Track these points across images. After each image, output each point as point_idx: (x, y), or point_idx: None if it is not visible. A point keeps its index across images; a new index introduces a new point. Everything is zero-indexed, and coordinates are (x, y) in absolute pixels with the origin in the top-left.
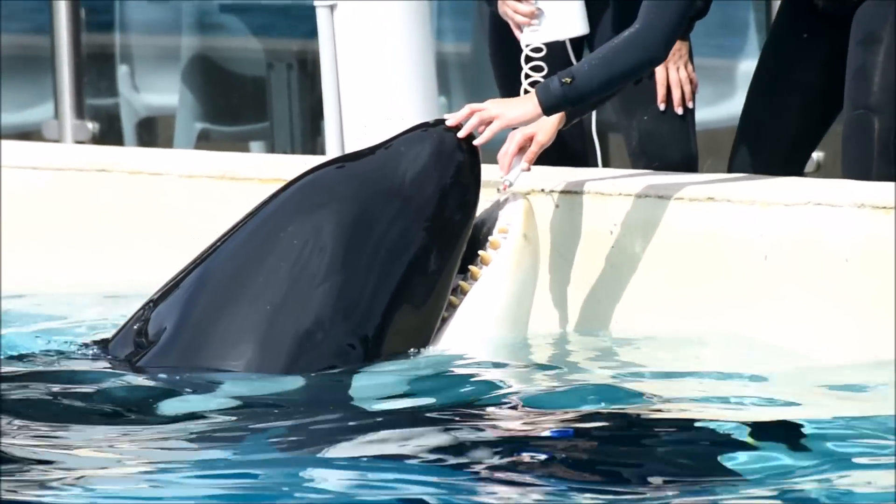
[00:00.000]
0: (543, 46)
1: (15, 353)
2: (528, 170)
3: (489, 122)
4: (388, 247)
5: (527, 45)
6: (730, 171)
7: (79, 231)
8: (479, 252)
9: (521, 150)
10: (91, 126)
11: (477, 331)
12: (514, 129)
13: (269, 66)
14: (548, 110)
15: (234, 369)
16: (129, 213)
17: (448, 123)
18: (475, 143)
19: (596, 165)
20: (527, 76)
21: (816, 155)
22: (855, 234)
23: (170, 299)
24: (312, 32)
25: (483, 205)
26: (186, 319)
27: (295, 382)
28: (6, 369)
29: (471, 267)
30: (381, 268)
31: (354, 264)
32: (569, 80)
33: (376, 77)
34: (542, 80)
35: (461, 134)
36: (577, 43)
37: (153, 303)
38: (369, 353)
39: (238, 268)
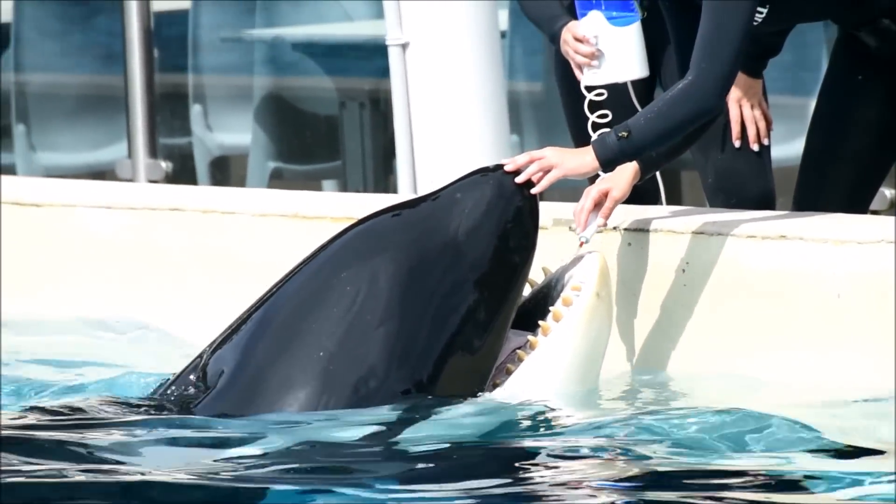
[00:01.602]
0: (604, 90)
1: (84, 394)
2: (605, 226)
3: (548, 170)
4: (444, 293)
5: (586, 87)
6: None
7: (152, 270)
8: (551, 308)
9: (597, 205)
10: (164, 165)
11: (543, 385)
12: (571, 178)
13: (341, 104)
14: (605, 164)
15: (289, 416)
16: (202, 252)
17: (506, 168)
18: (532, 191)
19: (660, 203)
20: (594, 126)
21: (889, 192)
22: None
23: (227, 346)
24: (385, 71)
25: (550, 254)
26: (243, 366)
27: (345, 425)
28: (74, 409)
29: (541, 322)
30: (435, 315)
31: (409, 312)
32: (626, 133)
33: (448, 116)
34: (608, 128)
35: (519, 180)
36: (648, 87)
37: (212, 348)
38: (430, 391)
39: (294, 315)
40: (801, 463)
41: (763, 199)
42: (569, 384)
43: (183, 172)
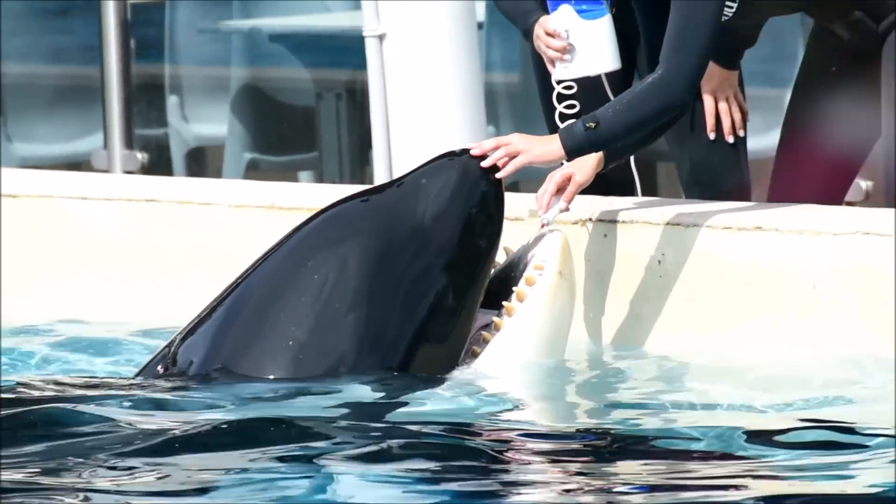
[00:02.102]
0: (574, 84)
1: (53, 381)
2: (567, 209)
3: (514, 156)
4: (412, 278)
5: (557, 81)
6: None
7: (128, 261)
8: (514, 289)
9: (560, 189)
10: (140, 156)
11: (509, 365)
12: (537, 166)
13: (318, 96)
14: (570, 152)
15: (259, 388)
16: (178, 243)
17: (473, 153)
18: (497, 175)
19: (636, 194)
20: (561, 116)
21: (865, 184)
22: None
23: (196, 334)
24: (361, 62)
25: (515, 238)
26: (212, 355)
27: (320, 399)
28: (48, 395)
29: (505, 303)
30: (404, 301)
31: (378, 298)
32: (593, 124)
33: (425, 107)
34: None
35: (485, 164)
36: (624, 79)
37: (181, 337)
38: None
39: (262, 304)
40: (777, 450)
41: (738, 192)
42: (536, 360)
43: (159, 163)
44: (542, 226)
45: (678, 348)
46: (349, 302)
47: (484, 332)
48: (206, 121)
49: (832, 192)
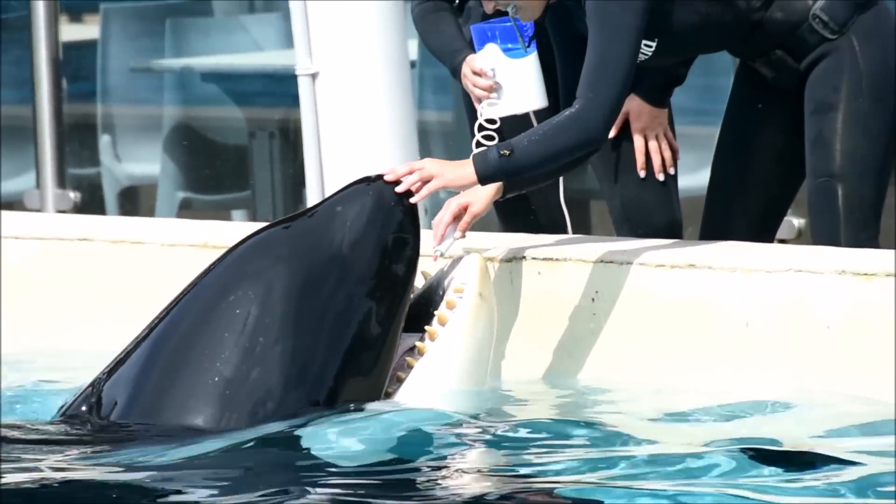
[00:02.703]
0: (498, 120)
1: None
2: (462, 237)
3: (427, 181)
4: (333, 306)
5: (487, 120)
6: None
7: (60, 300)
8: (435, 312)
9: (456, 218)
10: (73, 195)
11: (441, 384)
12: (451, 191)
13: (251, 134)
14: (483, 179)
15: (184, 438)
16: (111, 281)
17: (387, 178)
18: (411, 200)
19: (567, 233)
20: (478, 144)
21: (797, 222)
22: (838, 301)
23: (120, 373)
24: (294, 101)
25: (432, 266)
26: (137, 395)
27: (248, 440)
28: None
29: (427, 328)
30: (328, 328)
31: (301, 327)
32: (507, 152)
33: (358, 145)
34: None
35: (399, 189)
36: (551, 114)
37: (105, 375)
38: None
39: (184, 341)
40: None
41: (669, 229)
42: (459, 386)
43: (92, 203)
44: (436, 258)
45: (611, 385)
46: (272, 335)
47: (408, 358)
48: (138, 160)
49: (764, 229)
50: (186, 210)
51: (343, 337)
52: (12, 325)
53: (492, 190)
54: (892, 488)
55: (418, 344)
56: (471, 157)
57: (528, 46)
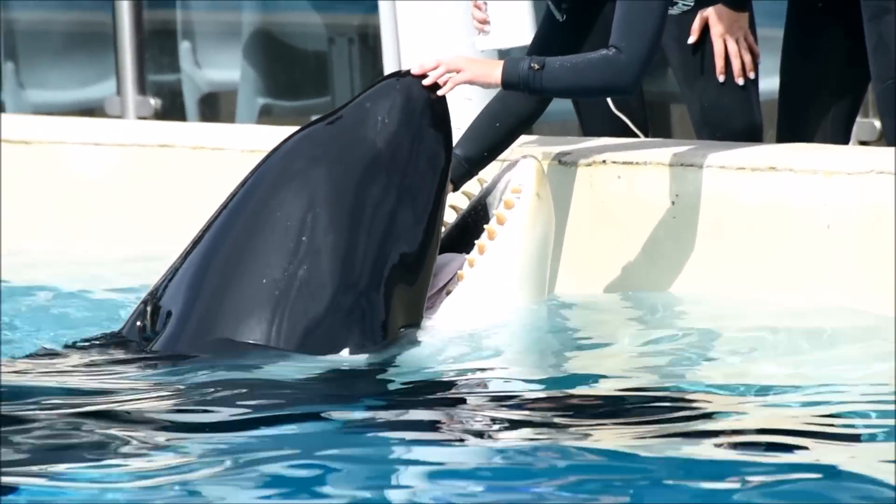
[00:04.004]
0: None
1: (49, 335)
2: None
3: (454, 72)
4: (371, 203)
5: (480, 50)
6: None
7: (141, 206)
8: (494, 212)
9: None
10: (153, 102)
11: (501, 289)
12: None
13: (330, 40)
14: (506, 84)
15: (241, 354)
16: (192, 187)
17: (413, 72)
18: (439, 92)
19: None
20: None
21: (878, 123)
22: None
23: (172, 286)
24: (373, 6)
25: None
26: (188, 310)
27: (306, 362)
28: (32, 355)
29: (487, 227)
30: (371, 228)
31: (345, 229)
32: (538, 67)
33: (437, 50)
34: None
35: (426, 82)
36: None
37: (162, 286)
38: (376, 315)
39: (230, 253)
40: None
41: (749, 133)
42: (523, 286)
43: (172, 109)
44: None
45: (691, 289)
46: (318, 237)
47: (460, 272)
48: (218, 66)
49: (836, 131)
50: (266, 116)
51: (386, 234)
52: (93, 231)
53: (493, 77)
54: None
55: (478, 243)
56: (503, 61)
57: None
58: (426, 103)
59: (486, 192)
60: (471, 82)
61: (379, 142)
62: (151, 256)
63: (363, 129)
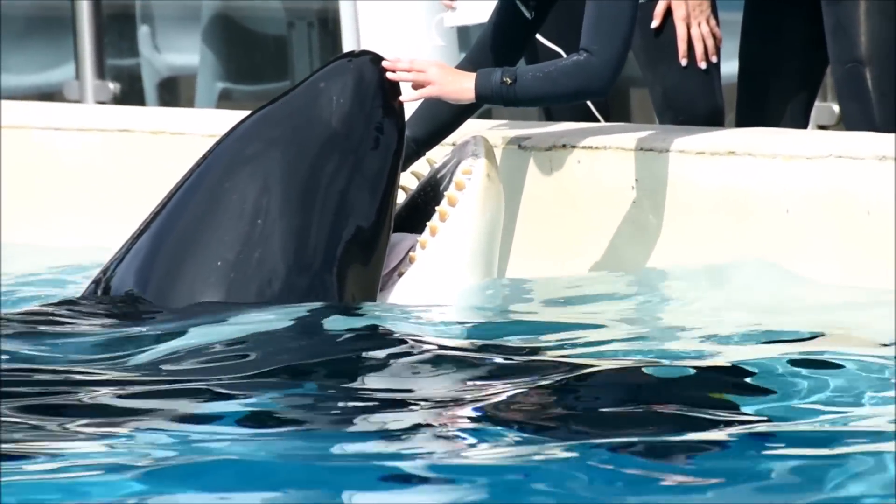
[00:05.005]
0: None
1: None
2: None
3: (424, 85)
4: (324, 182)
5: (449, 27)
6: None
7: (101, 191)
8: (445, 193)
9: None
10: (112, 87)
11: (452, 270)
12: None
13: (289, 24)
14: (480, 98)
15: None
16: (152, 172)
17: (384, 64)
18: (403, 99)
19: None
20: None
21: (837, 108)
22: (877, 186)
23: (127, 260)
24: None
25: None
26: (143, 282)
27: (259, 340)
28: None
29: (438, 208)
30: (324, 207)
31: (295, 210)
32: (510, 80)
33: (397, 34)
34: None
35: (389, 77)
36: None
37: (114, 264)
38: (330, 296)
39: (186, 228)
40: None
41: (712, 116)
42: (475, 266)
43: (131, 94)
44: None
45: (651, 273)
46: (272, 217)
47: (412, 254)
48: (177, 51)
49: (795, 114)
50: (226, 100)
51: (339, 212)
52: (54, 215)
53: (467, 93)
54: None
55: (430, 225)
56: (476, 72)
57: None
58: (379, 84)
59: (436, 173)
60: (440, 97)
61: (332, 122)
62: (112, 240)
63: (316, 110)
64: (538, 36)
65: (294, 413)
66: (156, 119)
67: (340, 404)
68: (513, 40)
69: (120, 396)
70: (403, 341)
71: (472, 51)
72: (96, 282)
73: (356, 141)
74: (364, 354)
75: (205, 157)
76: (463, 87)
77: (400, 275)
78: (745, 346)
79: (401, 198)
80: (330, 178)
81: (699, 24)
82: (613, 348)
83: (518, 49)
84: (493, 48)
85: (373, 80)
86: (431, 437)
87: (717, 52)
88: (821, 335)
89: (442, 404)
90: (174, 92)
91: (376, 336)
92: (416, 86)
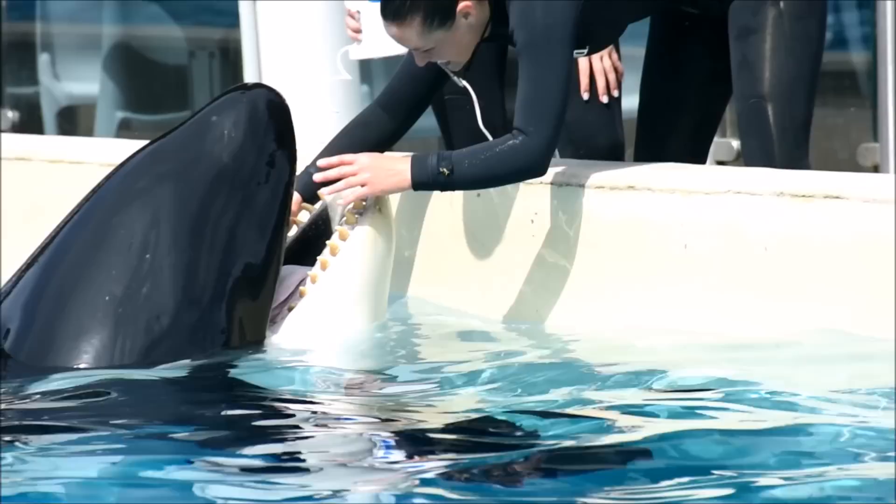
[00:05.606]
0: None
1: None
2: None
3: (356, 184)
4: (212, 219)
5: (353, 59)
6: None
7: None
8: (336, 227)
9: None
10: (11, 115)
11: (343, 305)
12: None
13: (190, 54)
14: (416, 186)
15: (80, 367)
16: (49, 201)
17: (316, 177)
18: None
19: None
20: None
21: (736, 143)
22: (774, 222)
23: (8, 304)
24: (234, 21)
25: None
26: (28, 324)
27: (140, 377)
28: None
29: (329, 242)
30: (210, 243)
31: (183, 245)
32: (446, 171)
33: (298, 64)
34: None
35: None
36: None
37: (1, 297)
38: (218, 331)
39: (72, 267)
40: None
41: (612, 150)
42: (362, 304)
43: (30, 122)
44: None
45: (548, 309)
46: (160, 251)
47: (302, 287)
48: (77, 79)
49: (694, 150)
50: (125, 130)
51: (228, 249)
52: None
53: (402, 185)
54: None
55: (311, 273)
56: (409, 158)
57: None
58: (270, 117)
59: (327, 206)
60: (377, 194)
61: (222, 156)
62: (8, 271)
63: (206, 144)
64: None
65: (180, 466)
66: (54, 148)
67: (218, 459)
68: (426, 87)
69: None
70: (290, 381)
71: (385, 96)
72: None
73: (246, 175)
74: (247, 396)
75: (94, 191)
76: (399, 179)
77: (290, 309)
78: (635, 388)
79: (293, 231)
80: (219, 213)
81: (601, 58)
82: (498, 386)
83: (431, 95)
84: (404, 97)
85: (264, 113)
86: (318, 478)
87: (619, 86)
88: (715, 373)
89: (329, 443)
90: (73, 121)
91: (260, 375)
92: (349, 185)
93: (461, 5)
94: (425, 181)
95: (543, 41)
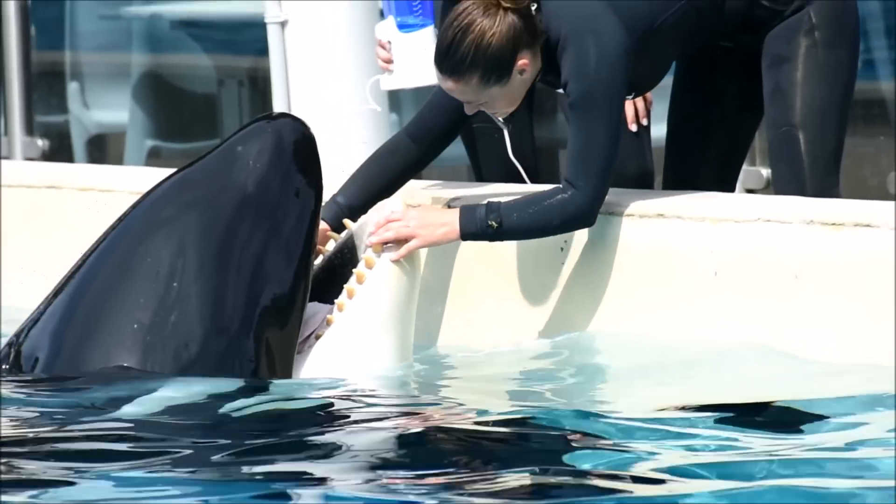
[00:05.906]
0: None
1: None
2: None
3: (405, 238)
4: (239, 248)
5: (383, 88)
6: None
7: (28, 248)
8: (363, 256)
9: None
10: (41, 143)
11: (370, 333)
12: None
13: (219, 82)
14: (465, 237)
15: (110, 395)
16: (80, 229)
17: (369, 240)
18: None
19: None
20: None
21: (765, 171)
22: (804, 250)
23: (39, 327)
24: (263, 49)
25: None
26: (55, 351)
27: (168, 404)
28: None
29: (356, 270)
30: (237, 272)
31: (211, 274)
32: (495, 224)
33: (327, 93)
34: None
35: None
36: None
37: (24, 333)
38: (246, 360)
39: (98, 297)
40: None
41: (641, 179)
42: (388, 332)
43: (60, 151)
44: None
45: (580, 336)
46: (187, 280)
47: (329, 316)
48: (107, 108)
49: (723, 177)
50: (155, 158)
51: (256, 279)
52: None
53: (451, 236)
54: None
55: (337, 301)
56: (457, 210)
57: (422, 17)
58: (295, 146)
59: (353, 235)
60: (430, 246)
61: (248, 185)
62: (37, 298)
63: (233, 173)
64: None
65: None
66: (84, 176)
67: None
68: (456, 118)
69: (27, 464)
70: (320, 409)
71: (414, 125)
72: (10, 344)
73: (272, 204)
74: (276, 426)
75: (120, 220)
76: (447, 230)
77: (317, 337)
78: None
79: (318, 259)
80: (245, 242)
81: None
82: (529, 412)
83: (460, 126)
84: (434, 128)
85: (290, 142)
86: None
87: (648, 114)
88: (746, 398)
89: (364, 473)
90: (103, 149)
91: (289, 404)
92: (399, 241)
93: (519, 63)
94: (474, 232)
95: (596, 96)
